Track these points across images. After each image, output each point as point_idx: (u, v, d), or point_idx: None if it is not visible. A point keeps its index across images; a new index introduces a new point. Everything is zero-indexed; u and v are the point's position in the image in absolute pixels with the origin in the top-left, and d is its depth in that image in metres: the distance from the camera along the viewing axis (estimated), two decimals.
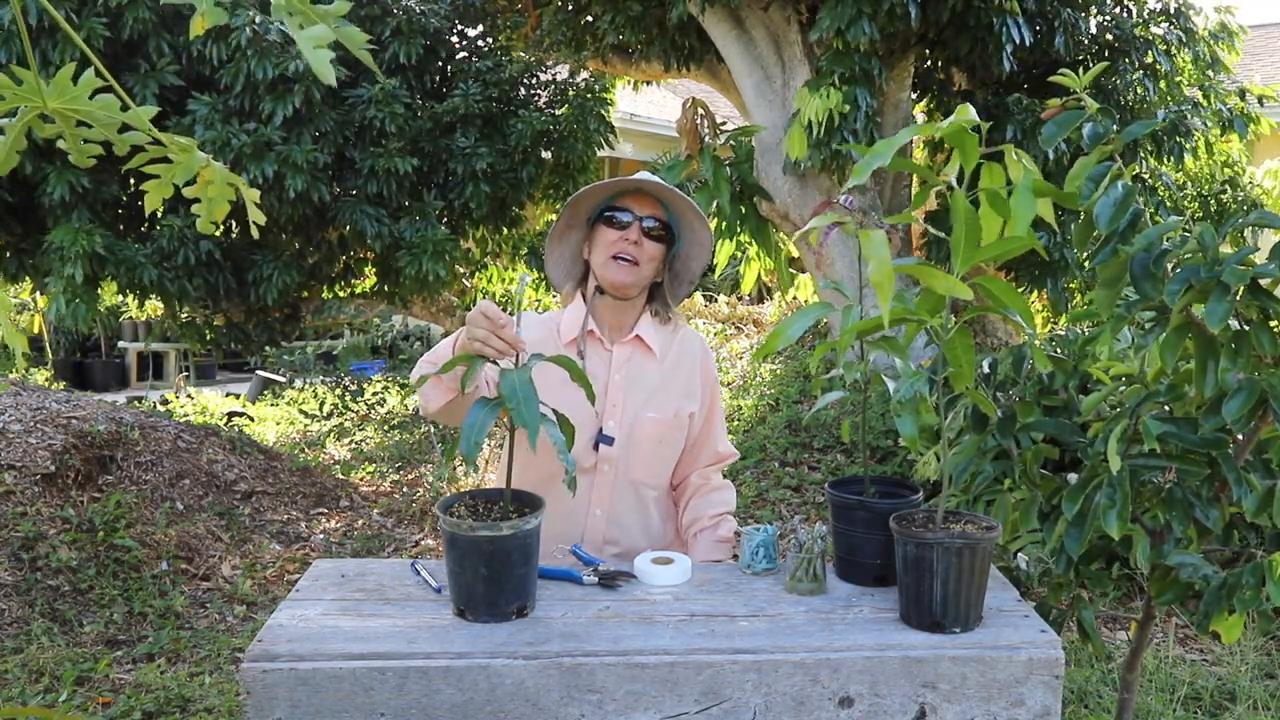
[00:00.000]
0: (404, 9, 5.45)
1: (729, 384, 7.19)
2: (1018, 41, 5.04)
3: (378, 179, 5.30)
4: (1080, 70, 1.55)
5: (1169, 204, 5.92)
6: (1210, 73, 6.09)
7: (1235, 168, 7.07)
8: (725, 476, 2.15)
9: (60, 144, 1.05)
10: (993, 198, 1.39)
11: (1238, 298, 1.37)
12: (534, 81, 6.09)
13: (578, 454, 1.89)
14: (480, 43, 6.20)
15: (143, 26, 4.84)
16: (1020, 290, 2.38)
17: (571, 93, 6.01)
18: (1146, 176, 5.69)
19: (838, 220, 1.44)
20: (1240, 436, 1.55)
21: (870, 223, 1.39)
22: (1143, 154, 5.64)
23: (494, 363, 1.55)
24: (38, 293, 7.34)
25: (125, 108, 1.02)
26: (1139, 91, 5.61)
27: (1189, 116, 5.58)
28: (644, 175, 1.96)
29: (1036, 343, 1.58)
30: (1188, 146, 5.62)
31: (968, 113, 1.39)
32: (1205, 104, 5.93)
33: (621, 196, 1.95)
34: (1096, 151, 1.49)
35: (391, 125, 5.20)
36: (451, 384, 1.73)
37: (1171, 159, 5.62)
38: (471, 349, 1.56)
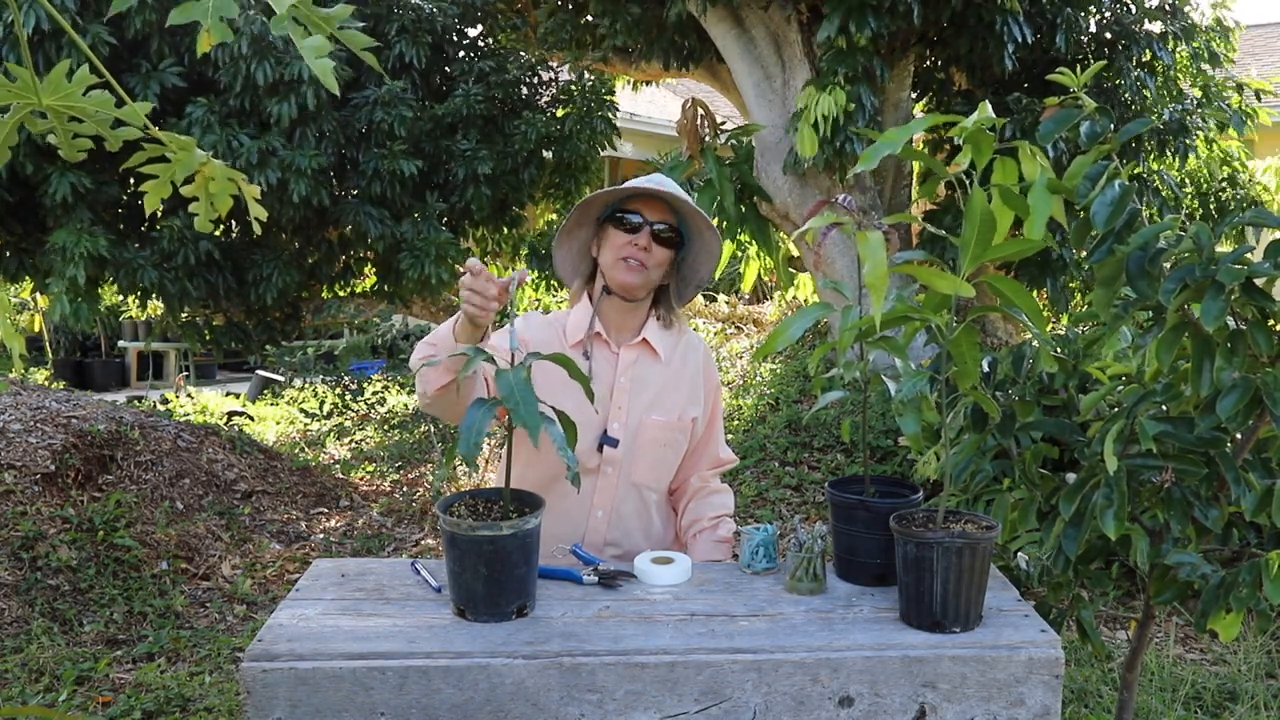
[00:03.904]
0: (411, 7, 5.44)
1: (729, 384, 7.20)
2: (1019, 40, 5.03)
3: (382, 180, 5.29)
4: (1079, 69, 1.55)
5: (1171, 203, 5.91)
6: (1207, 68, 6.09)
7: (1235, 164, 7.07)
8: (724, 480, 2.16)
9: (50, 139, 1.05)
10: (1006, 194, 1.39)
11: (1233, 297, 1.37)
12: (535, 81, 6.09)
13: (581, 455, 1.89)
14: (480, 43, 6.20)
15: (148, 28, 4.83)
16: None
17: (575, 92, 6.00)
18: (1148, 175, 5.69)
19: (836, 220, 1.44)
20: (1239, 436, 1.54)
21: (869, 223, 1.39)
22: (1144, 153, 5.64)
23: (494, 362, 1.55)
24: (38, 292, 7.34)
25: (121, 104, 1.02)
26: (1139, 89, 5.61)
27: (1190, 114, 5.58)
28: (656, 180, 1.95)
29: (1039, 343, 1.58)
30: (1189, 144, 5.62)
31: (986, 111, 1.38)
32: (1205, 102, 5.93)
33: (633, 200, 1.95)
34: (1094, 150, 1.48)
35: (401, 129, 5.18)
36: (449, 364, 1.74)
37: (1176, 158, 5.61)
38: (465, 310, 1.66)
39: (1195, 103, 5.79)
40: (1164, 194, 5.69)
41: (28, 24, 4.44)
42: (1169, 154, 5.59)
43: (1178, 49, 5.84)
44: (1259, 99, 6.30)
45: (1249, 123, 6.08)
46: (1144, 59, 5.65)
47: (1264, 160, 7.49)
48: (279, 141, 4.91)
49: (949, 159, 5.47)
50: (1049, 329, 6.21)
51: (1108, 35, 5.69)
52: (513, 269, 6.78)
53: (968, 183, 1.38)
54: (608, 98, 6.10)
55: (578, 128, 5.84)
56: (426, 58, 5.42)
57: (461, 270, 1.84)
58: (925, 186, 1.56)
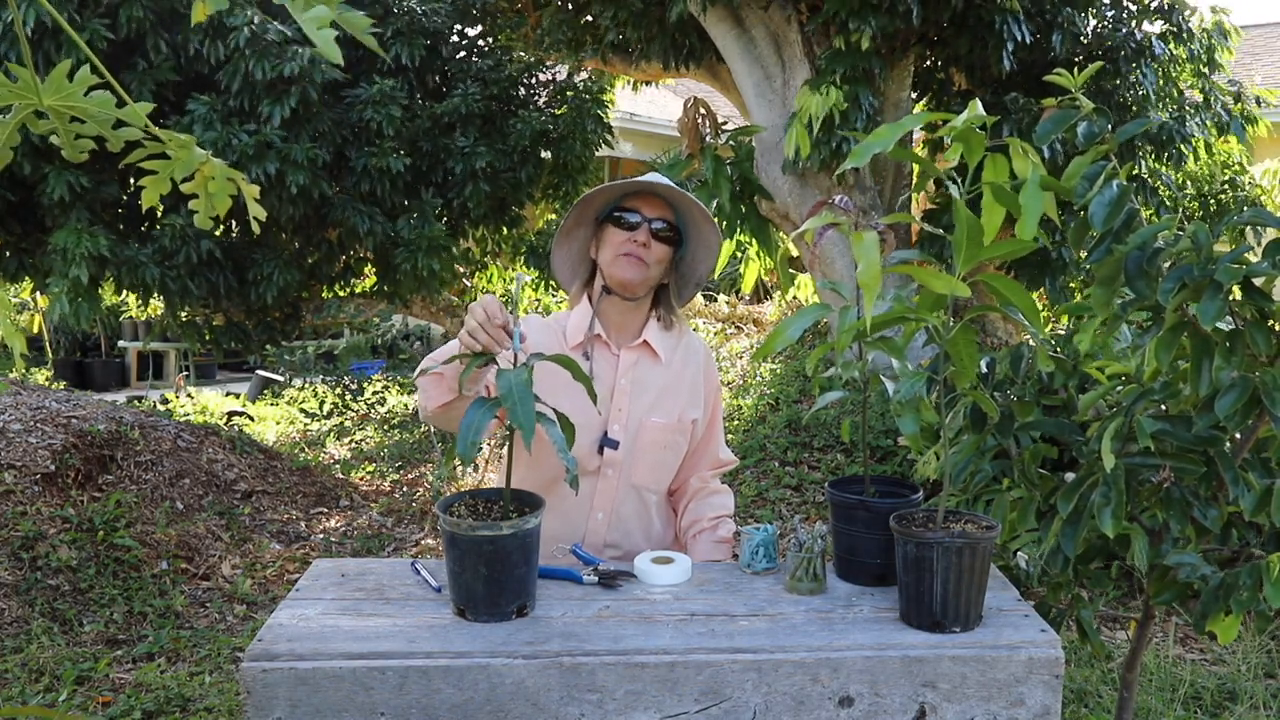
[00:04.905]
0: (406, 10, 5.46)
1: (729, 384, 7.20)
2: (1018, 39, 5.04)
3: (371, 178, 5.31)
4: (1076, 71, 1.55)
5: (1169, 204, 5.90)
6: (1207, 71, 6.09)
7: (1235, 168, 7.07)
8: (724, 481, 2.16)
9: (53, 139, 1.05)
10: (998, 191, 1.39)
11: (1232, 296, 1.37)
12: (533, 81, 6.10)
13: (582, 457, 1.90)
14: (480, 42, 6.21)
15: (140, 25, 4.84)
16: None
17: (570, 93, 6.03)
18: (1147, 176, 5.68)
19: (833, 221, 1.44)
20: (1238, 435, 1.54)
21: (866, 223, 1.39)
22: (1141, 155, 5.63)
23: (497, 363, 1.56)
24: (38, 292, 7.35)
25: (122, 104, 1.02)
26: (1137, 91, 5.61)
27: (1188, 119, 5.57)
28: (653, 177, 1.96)
29: (1039, 341, 1.58)
30: (1186, 151, 5.61)
31: (977, 109, 1.38)
32: (1204, 107, 5.93)
33: (631, 198, 1.95)
34: (1091, 151, 1.48)
35: (389, 128, 5.20)
36: (452, 384, 1.74)
37: (1170, 162, 5.60)
38: (464, 340, 1.60)
39: (1194, 108, 5.77)
40: (1162, 194, 5.68)
41: (28, 22, 4.44)
42: (1164, 158, 5.58)
43: (1178, 50, 5.83)
44: (1259, 105, 6.29)
45: (1249, 128, 6.08)
46: (1144, 61, 5.64)
47: (1263, 164, 7.49)
48: (276, 135, 4.93)
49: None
50: (1049, 329, 6.24)
51: (1104, 39, 5.68)
52: (512, 269, 6.80)
53: (958, 182, 1.38)
54: (600, 96, 6.12)
55: (573, 129, 5.86)
56: (421, 58, 5.44)
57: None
58: (916, 184, 1.57)
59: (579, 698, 1.37)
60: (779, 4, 5.55)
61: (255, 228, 1.25)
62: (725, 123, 5.94)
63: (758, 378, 7.13)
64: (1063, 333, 5.31)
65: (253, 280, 5.40)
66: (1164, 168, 5.72)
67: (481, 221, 5.97)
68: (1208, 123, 5.82)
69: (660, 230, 1.92)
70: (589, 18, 6.34)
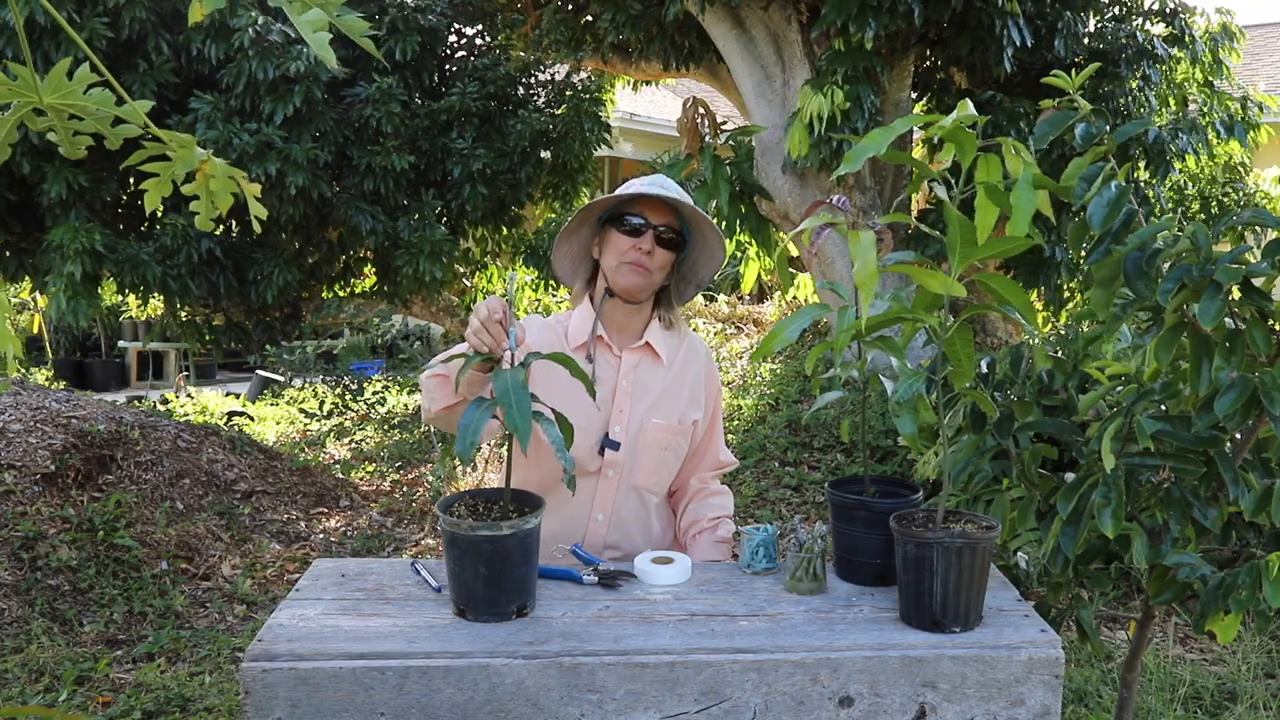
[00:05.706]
0: (399, 6, 5.47)
1: (729, 384, 7.20)
2: (1018, 42, 5.03)
3: (375, 177, 5.32)
4: (1074, 73, 1.55)
5: (1159, 212, 5.89)
6: (1211, 76, 6.08)
7: (1238, 170, 7.07)
8: (724, 481, 2.15)
9: (50, 136, 1.05)
10: (990, 191, 1.39)
11: (1231, 296, 1.37)
12: (532, 81, 6.11)
13: (583, 458, 1.90)
14: (479, 41, 6.22)
15: (141, 26, 4.85)
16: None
17: (569, 93, 6.03)
18: (1143, 182, 5.68)
19: (830, 220, 1.44)
20: (1238, 435, 1.54)
21: (864, 223, 1.39)
22: (1135, 162, 5.62)
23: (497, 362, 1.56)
24: (37, 292, 7.35)
25: (122, 102, 1.02)
26: (1137, 97, 5.60)
27: (1180, 135, 5.54)
28: (659, 182, 1.94)
29: (1036, 340, 1.58)
30: (1177, 165, 5.58)
31: (967, 109, 1.38)
32: (1205, 115, 5.92)
33: (635, 202, 1.94)
34: (1090, 152, 1.48)
35: (388, 125, 5.21)
36: (461, 387, 1.74)
37: (1158, 174, 5.57)
38: (470, 339, 1.62)
39: (1190, 124, 5.74)
40: (1153, 203, 5.67)
41: (35, 15, 4.44)
42: (1150, 169, 5.55)
43: (1181, 55, 5.82)
44: (1261, 111, 6.29)
45: (1251, 134, 6.08)
46: (1147, 63, 5.63)
47: (1268, 169, 7.50)
48: (278, 135, 4.94)
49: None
50: (1047, 329, 6.24)
51: (1100, 46, 5.67)
52: (512, 269, 6.79)
53: (951, 183, 1.38)
54: (600, 96, 6.13)
55: (572, 128, 5.87)
56: (415, 54, 5.44)
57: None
58: (911, 185, 1.57)
59: (579, 698, 1.37)
60: (779, 4, 5.55)
61: (256, 226, 1.24)
62: (725, 123, 5.94)
63: (758, 378, 7.13)
64: (1062, 332, 5.32)
65: (253, 280, 5.40)
66: (1151, 179, 5.68)
67: (481, 222, 5.97)
68: (1210, 131, 5.81)
69: (664, 235, 1.92)
70: (588, 18, 6.34)
